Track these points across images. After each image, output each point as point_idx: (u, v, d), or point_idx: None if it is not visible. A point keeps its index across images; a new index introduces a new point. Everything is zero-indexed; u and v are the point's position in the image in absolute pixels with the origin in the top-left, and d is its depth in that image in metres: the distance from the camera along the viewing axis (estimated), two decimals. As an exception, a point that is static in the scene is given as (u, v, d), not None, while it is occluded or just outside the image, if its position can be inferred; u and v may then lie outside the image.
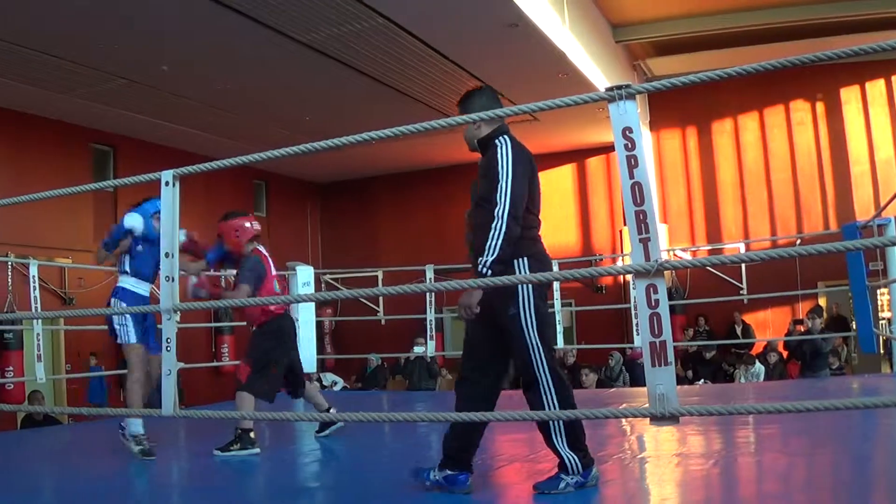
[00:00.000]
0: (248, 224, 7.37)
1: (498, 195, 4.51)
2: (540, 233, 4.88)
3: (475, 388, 4.80)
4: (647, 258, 3.51)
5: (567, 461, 4.63)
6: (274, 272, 7.35)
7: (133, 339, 7.08)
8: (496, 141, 4.70)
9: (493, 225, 4.48)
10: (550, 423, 4.58)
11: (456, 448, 4.79)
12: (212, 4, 11.11)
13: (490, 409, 4.72)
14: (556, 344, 4.72)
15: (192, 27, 11.96)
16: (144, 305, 7.23)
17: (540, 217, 4.91)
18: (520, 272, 4.60)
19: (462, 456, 4.78)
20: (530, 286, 4.56)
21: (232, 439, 6.80)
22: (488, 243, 4.46)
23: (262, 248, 7.36)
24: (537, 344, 4.59)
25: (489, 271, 4.42)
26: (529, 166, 4.72)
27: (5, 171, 14.61)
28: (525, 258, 4.65)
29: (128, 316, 7.08)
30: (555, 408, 4.57)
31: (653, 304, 3.52)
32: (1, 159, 14.74)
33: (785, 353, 15.21)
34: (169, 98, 14.76)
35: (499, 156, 4.61)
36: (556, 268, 14.94)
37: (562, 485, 4.63)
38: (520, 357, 4.64)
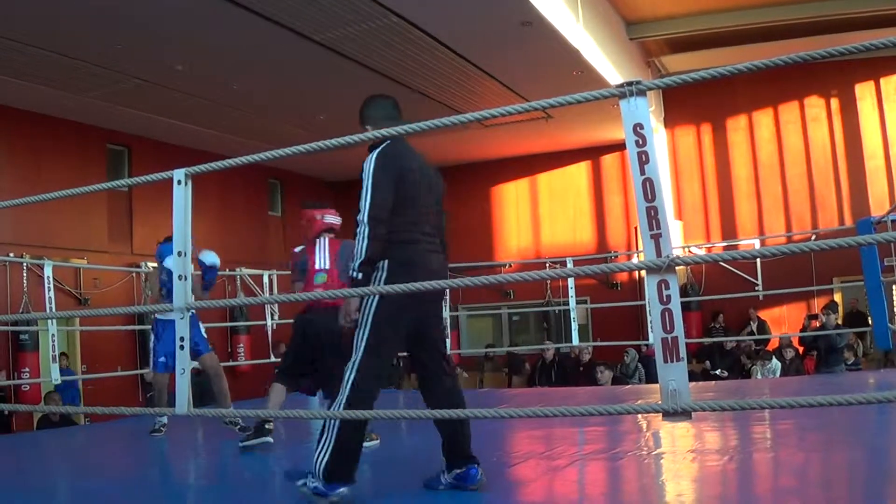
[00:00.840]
0: (318, 216, 7.43)
1: (362, 201, 4.62)
2: (422, 235, 4.79)
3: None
4: (659, 254, 3.50)
5: (315, 462, 4.47)
6: (320, 265, 7.26)
7: (157, 368, 7.76)
8: (373, 150, 4.76)
9: (358, 230, 4.58)
10: (325, 422, 4.49)
11: (445, 445, 4.77)
12: (226, 4, 11.13)
13: (431, 398, 4.78)
14: (392, 359, 4.64)
15: (206, 26, 11.98)
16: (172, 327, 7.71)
17: (423, 219, 4.82)
18: (379, 274, 4.62)
19: (455, 449, 4.75)
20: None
21: (251, 431, 6.87)
22: (356, 248, 4.55)
23: (319, 241, 7.36)
24: (363, 346, 4.54)
25: (360, 274, 4.53)
26: (396, 171, 4.68)
27: (22, 172, 14.68)
28: (386, 261, 4.64)
29: (153, 347, 7.70)
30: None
31: (664, 300, 3.51)
32: (18, 160, 14.82)
33: (801, 349, 15.17)
34: (183, 98, 14.79)
35: (364, 165, 4.69)
36: (570, 264, 15.02)
37: (300, 481, 4.55)
38: (348, 350, 4.63)
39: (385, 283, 4.56)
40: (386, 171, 4.65)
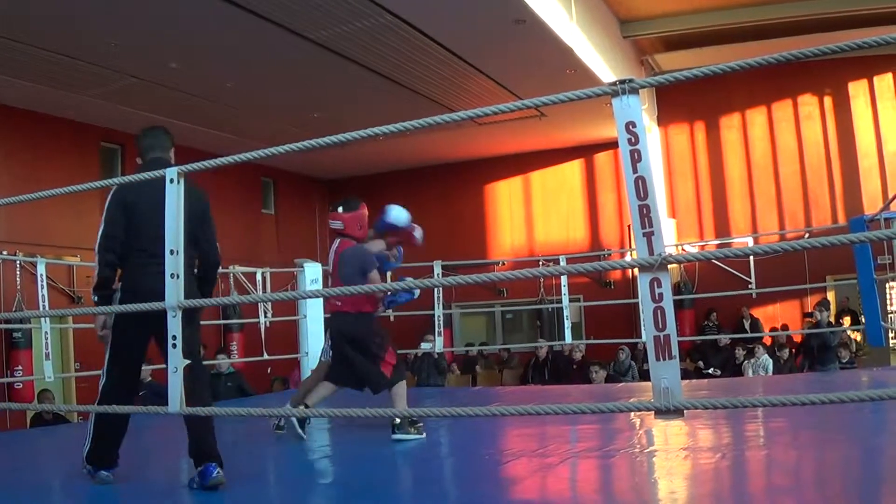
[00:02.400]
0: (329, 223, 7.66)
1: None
2: (150, 258, 5.04)
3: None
4: (651, 252, 3.50)
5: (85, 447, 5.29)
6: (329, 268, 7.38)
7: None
8: None
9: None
10: (89, 420, 5.31)
11: (190, 446, 5.07)
12: (220, 2, 11.11)
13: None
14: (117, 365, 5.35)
15: (200, 24, 11.96)
16: None
17: (155, 245, 4.92)
18: (116, 295, 5.24)
19: (196, 449, 5.04)
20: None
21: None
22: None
23: (334, 244, 7.48)
24: (106, 357, 5.30)
25: (96, 297, 5.24)
26: (125, 202, 5.18)
27: (17, 170, 14.64)
28: (120, 284, 5.25)
29: None
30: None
31: (656, 298, 3.51)
32: (13, 158, 14.79)
33: (794, 344, 15.20)
34: (177, 96, 14.76)
35: None
36: (563, 262, 14.98)
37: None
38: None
39: (118, 304, 5.17)
40: (116, 202, 5.19)
